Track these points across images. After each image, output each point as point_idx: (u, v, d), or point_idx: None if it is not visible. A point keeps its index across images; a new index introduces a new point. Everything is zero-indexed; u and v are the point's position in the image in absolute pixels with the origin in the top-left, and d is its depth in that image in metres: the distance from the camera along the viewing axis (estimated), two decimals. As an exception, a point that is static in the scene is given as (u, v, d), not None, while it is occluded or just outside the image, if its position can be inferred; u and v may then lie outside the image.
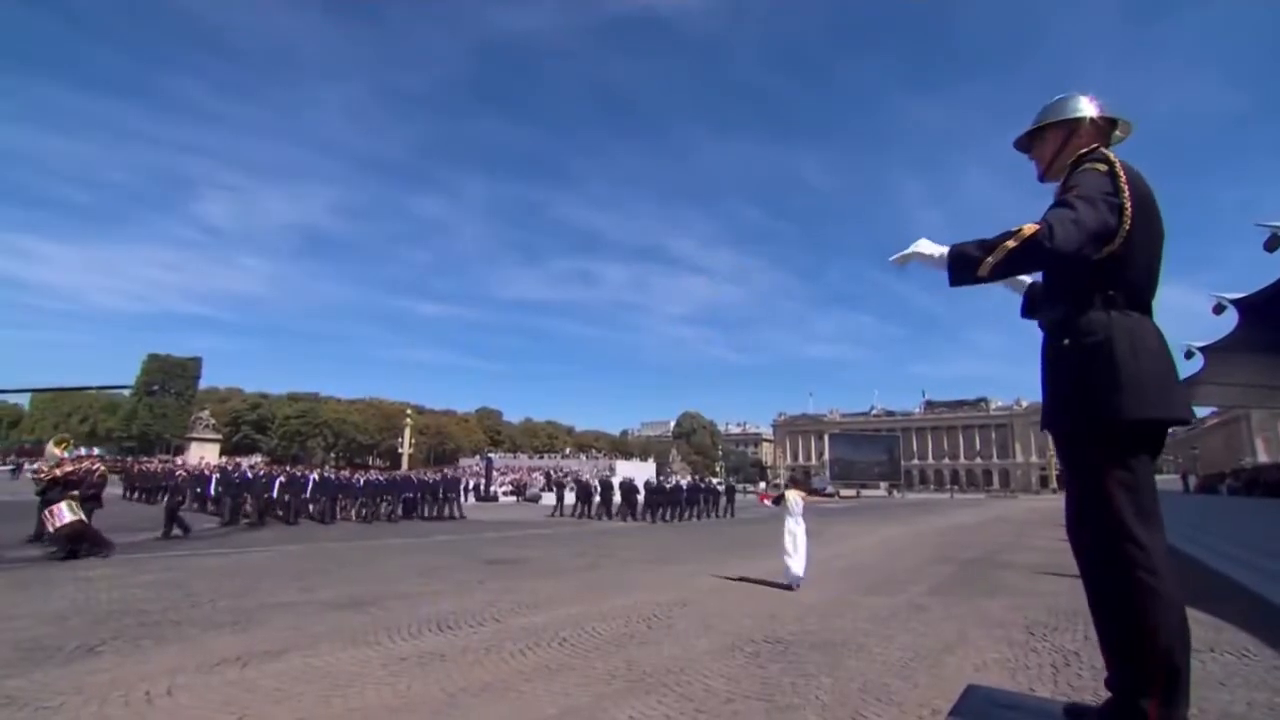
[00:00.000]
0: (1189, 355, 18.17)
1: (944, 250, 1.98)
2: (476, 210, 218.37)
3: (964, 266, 1.90)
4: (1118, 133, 2.19)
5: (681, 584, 8.46)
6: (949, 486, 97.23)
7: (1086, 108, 2.14)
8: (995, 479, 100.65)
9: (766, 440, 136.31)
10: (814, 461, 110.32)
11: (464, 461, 61.57)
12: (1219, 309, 14.06)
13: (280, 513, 17.71)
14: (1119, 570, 1.78)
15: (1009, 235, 1.81)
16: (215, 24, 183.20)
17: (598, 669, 4.43)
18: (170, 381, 69.01)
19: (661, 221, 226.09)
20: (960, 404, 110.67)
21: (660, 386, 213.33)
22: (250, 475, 19.66)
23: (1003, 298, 2.41)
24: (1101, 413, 1.83)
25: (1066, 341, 1.95)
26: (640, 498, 24.60)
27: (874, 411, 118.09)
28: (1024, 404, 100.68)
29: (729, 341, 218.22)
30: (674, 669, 4.43)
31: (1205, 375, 19.71)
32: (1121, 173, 1.90)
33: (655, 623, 5.98)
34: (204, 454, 42.71)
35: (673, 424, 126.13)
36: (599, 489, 25.70)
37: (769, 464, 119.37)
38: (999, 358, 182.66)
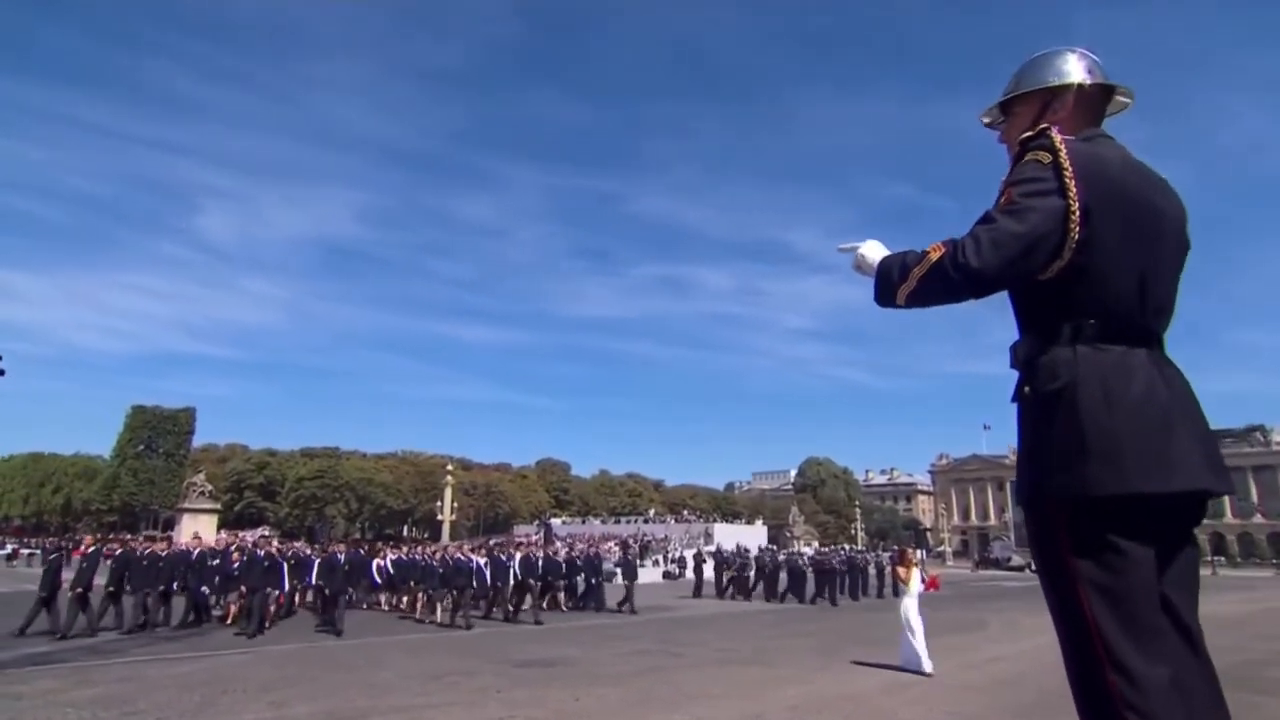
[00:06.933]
0: None
1: (877, 260, 2.02)
2: (531, 209, 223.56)
3: (885, 290, 1.97)
4: (1120, 98, 2.08)
5: (760, 696, 8.32)
6: (1210, 558, 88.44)
7: (1073, 70, 2.03)
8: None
9: (923, 492, 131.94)
10: (992, 521, 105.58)
11: (520, 529, 62.61)
12: None
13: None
14: (1099, 708, 1.61)
15: (919, 259, 1.84)
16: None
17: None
18: (158, 439, 74.40)
19: (773, 211, 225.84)
20: (1222, 435, 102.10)
21: (776, 424, 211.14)
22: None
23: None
24: (1062, 487, 1.70)
25: (1027, 389, 1.87)
26: (810, 575, 26.33)
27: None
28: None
29: (869, 361, 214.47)
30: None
31: None
32: (1067, 162, 1.76)
33: (704, 750, 5.89)
34: (198, 528, 45.20)
35: (793, 474, 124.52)
36: (754, 565, 27.42)
37: (927, 525, 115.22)
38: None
